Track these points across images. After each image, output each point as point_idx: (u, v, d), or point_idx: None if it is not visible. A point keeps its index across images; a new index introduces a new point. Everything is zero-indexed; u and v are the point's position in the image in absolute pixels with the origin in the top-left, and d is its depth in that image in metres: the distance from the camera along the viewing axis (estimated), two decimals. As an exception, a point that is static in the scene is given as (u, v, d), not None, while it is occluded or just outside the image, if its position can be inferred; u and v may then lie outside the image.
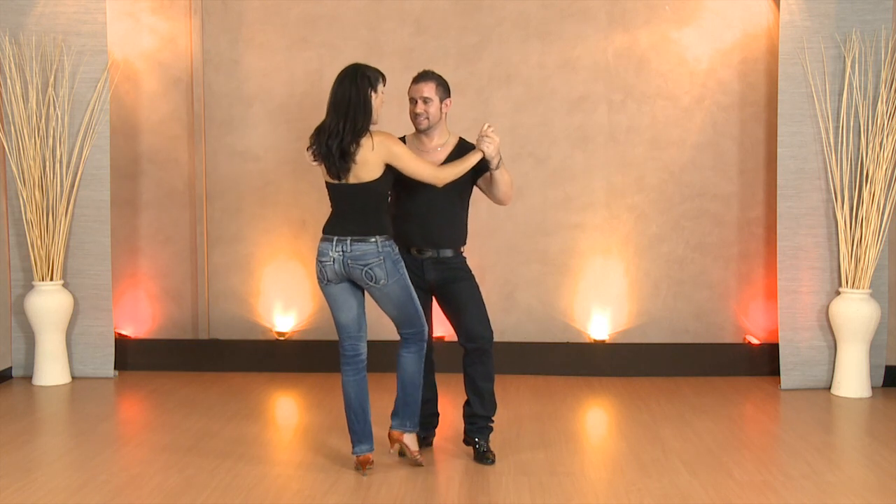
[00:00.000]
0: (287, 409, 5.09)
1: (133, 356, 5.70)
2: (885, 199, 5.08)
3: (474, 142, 3.94)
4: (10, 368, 5.54)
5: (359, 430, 3.83)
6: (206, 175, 5.72)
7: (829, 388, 5.23)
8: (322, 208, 5.68)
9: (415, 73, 5.54)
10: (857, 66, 5.09)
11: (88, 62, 5.38)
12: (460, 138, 4.05)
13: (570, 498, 3.57)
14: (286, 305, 5.74)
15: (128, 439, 4.39)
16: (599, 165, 5.61)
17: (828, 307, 5.22)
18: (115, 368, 5.57)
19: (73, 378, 5.49)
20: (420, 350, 3.83)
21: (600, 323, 5.64)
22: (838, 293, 5.19)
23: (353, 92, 3.68)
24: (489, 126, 3.87)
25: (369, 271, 3.68)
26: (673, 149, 5.58)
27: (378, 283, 3.70)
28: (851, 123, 5.13)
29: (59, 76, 5.36)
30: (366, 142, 3.64)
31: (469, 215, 5.75)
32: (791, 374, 5.26)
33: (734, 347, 5.60)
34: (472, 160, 3.82)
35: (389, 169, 3.70)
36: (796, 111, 5.20)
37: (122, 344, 5.68)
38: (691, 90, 5.55)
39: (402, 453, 3.93)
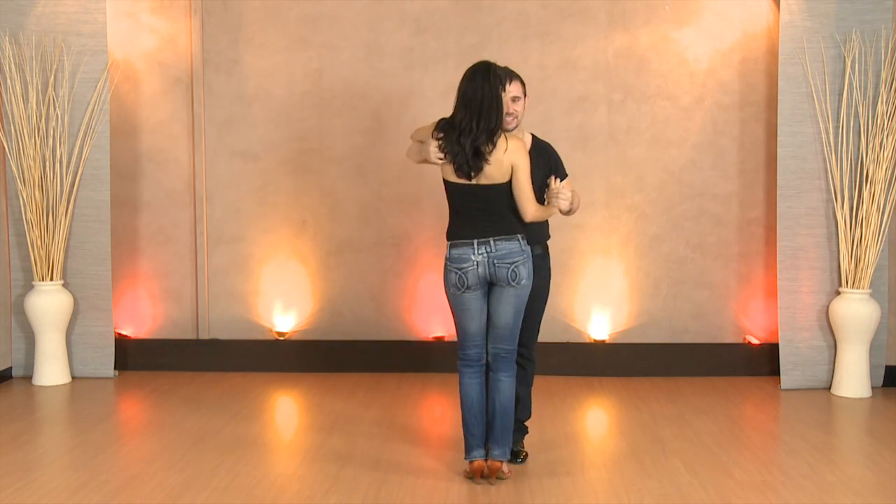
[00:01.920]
0: (287, 409, 5.09)
1: (133, 356, 5.70)
2: (885, 199, 5.08)
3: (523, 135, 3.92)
4: (10, 368, 5.54)
5: (478, 434, 3.73)
6: (206, 175, 5.71)
7: (829, 388, 5.23)
8: (322, 208, 5.71)
9: (415, 73, 5.60)
10: (857, 66, 5.09)
11: (88, 62, 5.38)
12: (533, 135, 3.99)
13: (570, 498, 3.57)
14: (286, 305, 5.74)
15: (128, 439, 4.39)
16: (599, 165, 5.60)
17: (828, 307, 5.22)
18: (115, 368, 5.57)
19: (73, 378, 5.49)
20: (514, 373, 3.75)
21: (600, 323, 5.64)
22: (838, 293, 5.19)
23: (487, 90, 3.58)
24: (557, 182, 3.78)
25: (515, 269, 3.60)
26: (673, 149, 5.58)
27: (519, 283, 3.62)
28: (851, 123, 5.13)
29: (59, 76, 5.36)
30: (500, 143, 3.58)
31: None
32: (791, 374, 5.26)
33: (734, 347, 5.60)
34: (552, 212, 3.79)
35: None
36: (796, 111, 5.20)
37: (122, 344, 5.68)
38: (691, 90, 5.55)
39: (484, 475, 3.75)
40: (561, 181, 3.83)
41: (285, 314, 5.74)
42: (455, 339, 5.72)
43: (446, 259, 3.68)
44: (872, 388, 5.17)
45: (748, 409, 4.93)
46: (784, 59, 5.18)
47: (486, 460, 3.75)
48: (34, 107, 5.29)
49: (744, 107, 5.55)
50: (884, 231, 5.09)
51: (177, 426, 4.52)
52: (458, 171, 3.61)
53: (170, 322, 5.79)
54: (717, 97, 5.54)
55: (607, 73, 5.56)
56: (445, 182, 3.70)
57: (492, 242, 3.61)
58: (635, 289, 5.64)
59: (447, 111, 5.51)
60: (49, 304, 5.32)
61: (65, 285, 5.44)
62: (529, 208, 3.68)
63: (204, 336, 5.78)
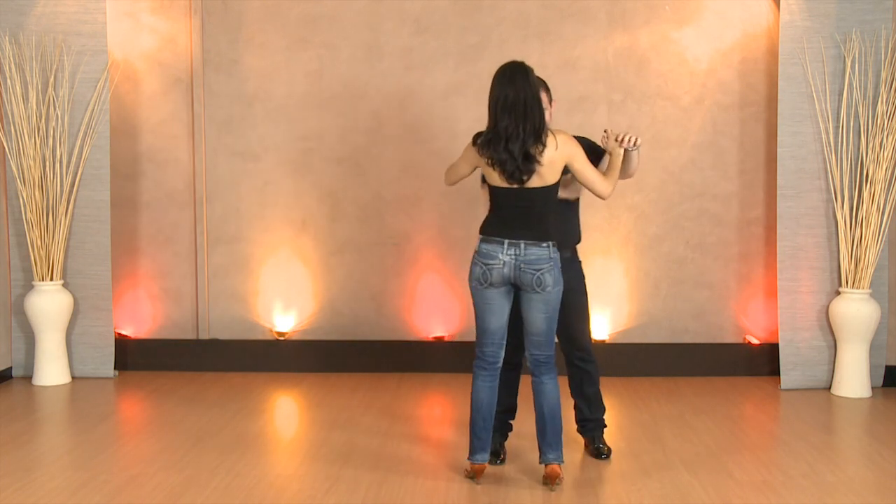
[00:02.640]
0: (287, 409, 5.09)
1: (133, 356, 5.70)
2: (885, 199, 5.08)
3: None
4: (10, 368, 5.54)
5: (484, 438, 3.72)
6: (206, 175, 5.71)
7: (829, 388, 5.23)
8: (322, 208, 5.71)
9: (415, 73, 5.60)
10: (857, 66, 5.09)
11: (88, 62, 5.38)
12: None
13: (570, 498, 3.57)
14: (286, 305, 5.74)
15: (128, 439, 4.39)
16: (599, 165, 5.60)
17: (828, 307, 5.22)
18: (115, 368, 5.57)
19: (73, 378, 5.49)
20: (556, 376, 3.73)
21: (600, 323, 5.63)
22: (838, 293, 5.19)
23: (528, 90, 3.50)
24: (608, 130, 3.77)
25: (540, 277, 3.57)
26: (673, 149, 5.58)
27: (544, 290, 3.59)
28: (851, 123, 5.13)
29: (59, 76, 5.36)
30: (550, 141, 3.52)
31: (473, 215, 5.76)
32: (791, 374, 5.26)
33: (734, 347, 5.60)
34: (619, 160, 3.72)
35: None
36: (796, 111, 5.20)
37: (122, 344, 5.68)
38: (691, 90, 5.55)
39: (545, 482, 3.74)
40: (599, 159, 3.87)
41: (285, 314, 5.74)
42: (454, 339, 5.74)
43: (475, 252, 3.66)
44: (872, 388, 5.17)
45: (748, 409, 4.93)
46: (784, 59, 5.18)
47: (488, 462, 3.78)
48: (34, 107, 5.29)
49: (744, 107, 5.55)
50: (884, 231, 5.09)
51: (177, 426, 4.52)
52: (510, 178, 3.53)
53: (170, 322, 5.79)
54: (717, 97, 5.54)
55: (607, 73, 5.56)
56: (492, 186, 3.63)
57: (522, 246, 3.57)
58: (635, 289, 5.64)
59: (447, 111, 5.58)
60: (49, 304, 5.32)
61: (65, 285, 5.44)
62: (601, 186, 3.65)
63: (204, 336, 5.78)
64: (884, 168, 5.03)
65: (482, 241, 3.65)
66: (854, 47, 5.09)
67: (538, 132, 3.50)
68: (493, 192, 3.65)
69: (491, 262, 3.60)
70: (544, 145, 3.51)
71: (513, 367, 3.97)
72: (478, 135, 3.63)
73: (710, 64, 5.53)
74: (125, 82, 5.67)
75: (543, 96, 3.71)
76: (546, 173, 3.54)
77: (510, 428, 4.14)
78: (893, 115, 5.02)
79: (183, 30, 5.65)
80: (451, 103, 5.59)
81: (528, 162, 3.50)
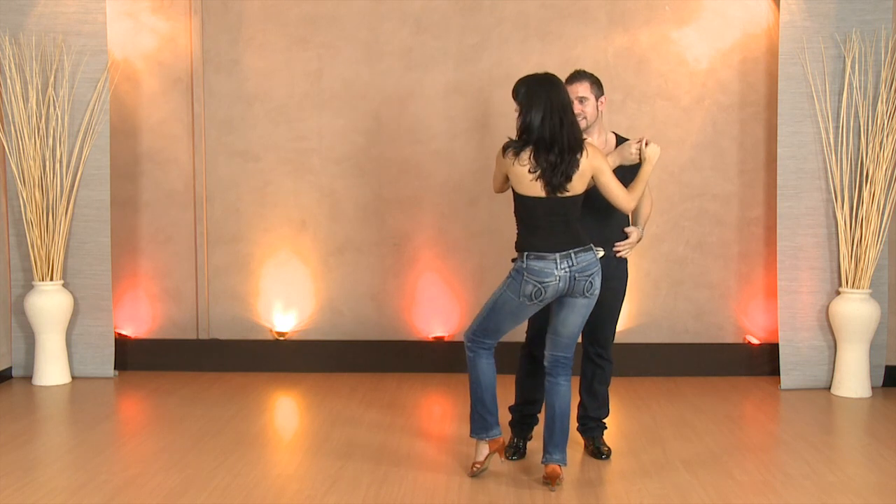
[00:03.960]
0: (287, 409, 5.09)
1: (133, 356, 5.70)
2: (885, 199, 5.08)
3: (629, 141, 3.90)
4: (10, 368, 5.54)
5: (495, 413, 3.76)
6: (206, 175, 5.71)
7: (829, 388, 5.23)
8: (322, 208, 5.71)
9: (415, 73, 5.60)
10: (857, 66, 5.09)
11: (88, 62, 5.38)
12: (616, 135, 4.00)
13: (570, 498, 3.57)
14: (286, 305, 5.74)
15: (128, 439, 4.39)
16: (599, 165, 5.59)
17: (828, 307, 5.22)
18: (115, 368, 5.57)
19: (73, 378, 5.49)
20: (570, 377, 3.73)
21: (600, 323, 5.63)
22: (838, 293, 5.20)
23: (567, 100, 3.56)
24: (641, 141, 3.78)
25: (591, 281, 3.57)
26: (673, 149, 5.57)
27: (592, 294, 3.59)
28: (851, 123, 5.13)
29: (59, 76, 5.36)
30: (583, 150, 3.56)
31: (473, 215, 5.76)
32: (791, 374, 5.26)
33: (734, 347, 5.60)
34: (648, 173, 3.74)
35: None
36: (796, 111, 5.20)
37: (122, 344, 5.68)
38: (691, 90, 5.55)
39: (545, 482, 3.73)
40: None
41: (285, 314, 5.74)
42: (454, 339, 5.73)
43: (522, 269, 3.57)
44: (872, 388, 5.17)
45: (748, 409, 4.93)
46: (784, 59, 5.18)
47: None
48: (34, 107, 5.29)
49: (744, 107, 5.55)
50: (884, 231, 5.09)
51: (177, 426, 4.52)
52: (552, 186, 3.52)
53: (170, 322, 5.79)
54: (717, 97, 5.54)
55: (607, 73, 5.55)
56: (522, 197, 3.59)
57: (573, 256, 3.55)
58: (635, 289, 5.64)
59: (447, 111, 5.58)
60: (49, 304, 5.32)
61: (65, 285, 5.44)
62: (625, 201, 3.66)
63: (204, 336, 5.78)
64: (884, 168, 5.04)
65: (530, 258, 3.57)
66: (854, 47, 5.09)
67: (580, 140, 3.54)
68: (525, 203, 3.59)
69: (546, 279, 3.54)
70: (582, 152, 3.53)
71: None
72: (507, 145, 3.60)
73: (710, 64, 5.53)
74: (125, 82, 5.67)
75: (584, 87, 3.83)
76: (577, 182, 3.55)
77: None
78: (893, 115, 5.02)
79: (183, 30, 5.65)
80: (451, 103, 5.59)
81: (571, 168, 3.50)
